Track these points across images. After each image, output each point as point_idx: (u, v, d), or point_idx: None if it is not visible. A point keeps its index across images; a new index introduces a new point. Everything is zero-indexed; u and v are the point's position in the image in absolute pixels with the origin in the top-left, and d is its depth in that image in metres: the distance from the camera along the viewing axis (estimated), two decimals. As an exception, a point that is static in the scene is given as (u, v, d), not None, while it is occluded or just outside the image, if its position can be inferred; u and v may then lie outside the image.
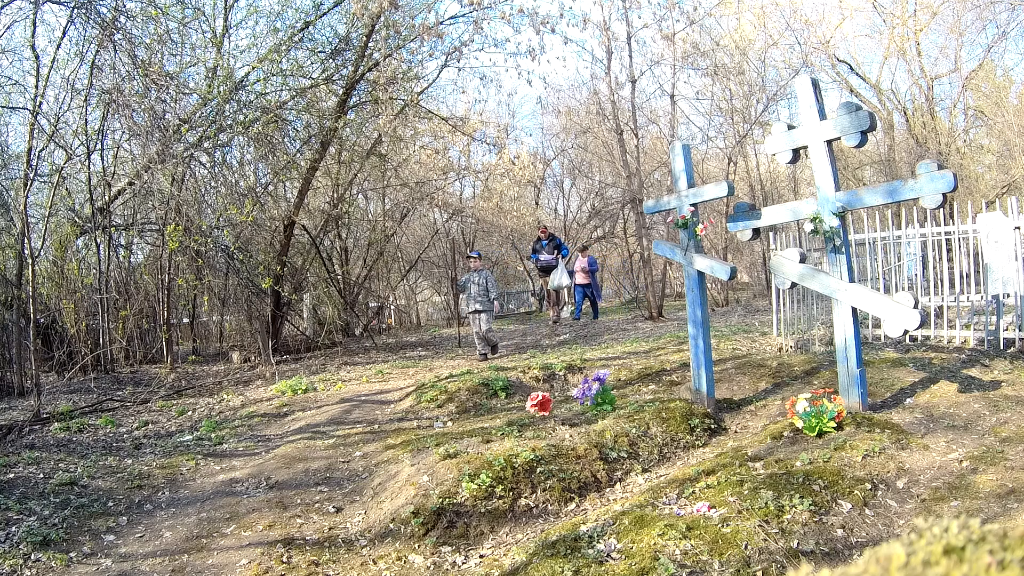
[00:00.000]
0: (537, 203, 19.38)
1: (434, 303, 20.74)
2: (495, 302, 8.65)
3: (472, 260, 8.99)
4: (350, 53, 9.45)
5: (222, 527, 3.60)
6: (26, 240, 7.14)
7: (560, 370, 6.64)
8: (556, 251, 12.16)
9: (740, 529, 2.73)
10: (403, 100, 9.85)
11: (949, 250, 6.81)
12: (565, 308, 14.20)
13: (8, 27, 9.09)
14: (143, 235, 10.56)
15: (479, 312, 8.43)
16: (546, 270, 12.17)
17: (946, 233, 6.58)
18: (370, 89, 9.60)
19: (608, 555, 2.69)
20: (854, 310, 4.22)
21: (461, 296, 8.69)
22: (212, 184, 9.46)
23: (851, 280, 4.23)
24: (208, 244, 8.55)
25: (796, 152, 4.45)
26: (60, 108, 8.26)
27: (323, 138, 9.46)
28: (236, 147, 9.94)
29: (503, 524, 3.41)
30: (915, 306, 3.81)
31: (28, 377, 7.60)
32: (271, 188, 10.98)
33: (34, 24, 7.98)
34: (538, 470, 3.75)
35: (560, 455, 3.94)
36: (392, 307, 16.41)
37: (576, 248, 13.40)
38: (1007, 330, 5.85)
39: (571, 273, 12.77)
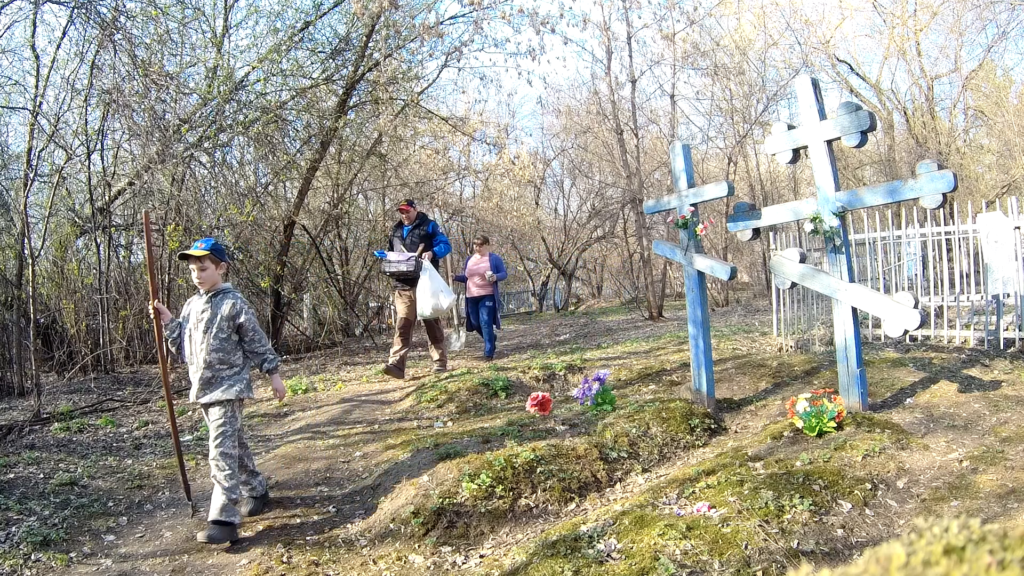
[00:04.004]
0: (537, 203, 19.39)
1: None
2: (264, 369, 3.57)
3: (196, 267, 3.51)
4: (350, 53, 9.46)
5: (222, 527, 3.59)
6: (26, 240, 7.14)
7: (560, 370, 6.64)
8: (423, 245, 6.72)
9: (740, 529, 2.73)
10: (403, 100, 9.85)
11: (949, 250, 6.81)
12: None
13: (8, 27, 9.12)
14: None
15: (212, 404, 3.43)
16: (405, 280, 6.81)
17: (946, 233, 6.58)
18: (370, 89, 9.61)
19: (608, 555, 2.69)
20: (854, 310, 4.21)
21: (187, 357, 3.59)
22: (212, 184, 9.46)
23: (851, 280, 4.23)
24: (208, 244, 8.53)
25: (796, 152, 4.45)
26: (60, 108, 8.26)
27: (323, 138, 9.46)
28: (236, 147, 9.96)
29: (503, 524, 3.41)
30: (915, 306, 3.81)
31: (28, 377, 7.60)
32: (271, 188, 10.98)
33: (34, 24, 7.98)
34: (538, 470, 3.75)
35: (560, 455, 3.94)
36: (392, 307, 16.40)
37: (475, 240, 8.60)
38: (1007, 330, 5.85)
39: (463, 280, 8.24)
